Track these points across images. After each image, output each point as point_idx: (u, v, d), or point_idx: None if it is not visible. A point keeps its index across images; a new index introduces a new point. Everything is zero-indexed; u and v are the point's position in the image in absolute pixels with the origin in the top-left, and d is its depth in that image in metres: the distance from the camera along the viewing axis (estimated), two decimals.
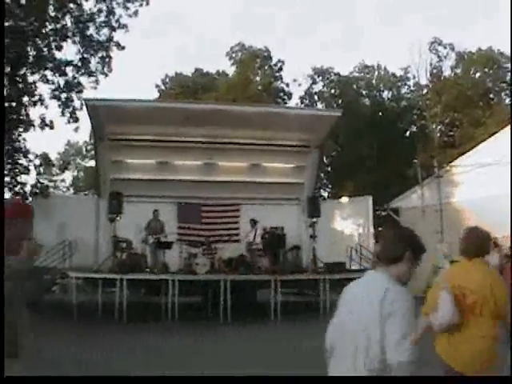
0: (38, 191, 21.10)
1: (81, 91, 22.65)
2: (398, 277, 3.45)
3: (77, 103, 22.59)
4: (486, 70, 43.14)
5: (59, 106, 22.41)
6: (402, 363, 3.17)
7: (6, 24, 19.93)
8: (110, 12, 22.69)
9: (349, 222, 23.15)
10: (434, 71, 43.78)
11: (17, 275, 3.54)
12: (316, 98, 49.11)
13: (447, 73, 44.57)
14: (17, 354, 3.61)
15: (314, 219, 18.83)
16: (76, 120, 22.76)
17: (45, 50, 21.63)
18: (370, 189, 31.03)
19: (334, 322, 3.86)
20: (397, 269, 3.47)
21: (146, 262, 17.99)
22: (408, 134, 47.20)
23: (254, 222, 19.44)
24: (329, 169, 46.88)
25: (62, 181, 61.85)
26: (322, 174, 41.58)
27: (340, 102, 46.73)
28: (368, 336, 3.29)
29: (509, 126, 20.38)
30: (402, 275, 3.47)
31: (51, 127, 21.86)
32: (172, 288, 15.29)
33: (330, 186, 48.66)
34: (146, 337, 12.86)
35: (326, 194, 45.87)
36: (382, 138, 43.15)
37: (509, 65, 39.26)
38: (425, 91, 45.09)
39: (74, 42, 22.22)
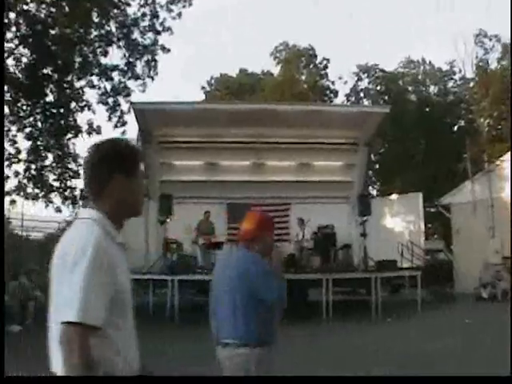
0: (87, 195, 21.26)
1: (128, 95, 22.83)
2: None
3: (124, 107, 22.82)
4: None
5: (106, 110, 22.65)
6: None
7: (52, 32, 20.25)
8: (154, 15, 22.78)
9: (399, 220, 22.84)
10: (480, 64, 43.01)
11: None
12: (362, 95, 48.82)
13: (494, 65, 43.78)
14: None
15: (365, 217, 18.65)
16: (123, 124, 22.96)
17: (90, 56, 21.86)
18: (419, 185, 30.61)
19: None
20: None
21: (196, 263, 18.02)
22: (456, 128, 46.49)
23: (301, 221, 19.33)
24: (377, 166, 46.48)
25: None
26: (370, 172, 41.19)
27: (386, 98, 46.34)
28: None
29: None
30: None
31: (98, 132, 22.04)
32: None
33: (378, 184, 48.24)
34: (198, 337, 12.84)
35: (374, 192, 45.45)
36: (429, 134, 42.66)
37: None
38: (471, 85, 44.32)
39: (119, 47, 22.37)
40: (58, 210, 21.30)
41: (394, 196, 25.25)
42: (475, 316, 14.81)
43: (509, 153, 22.97)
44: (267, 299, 4.10)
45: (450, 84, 48.93)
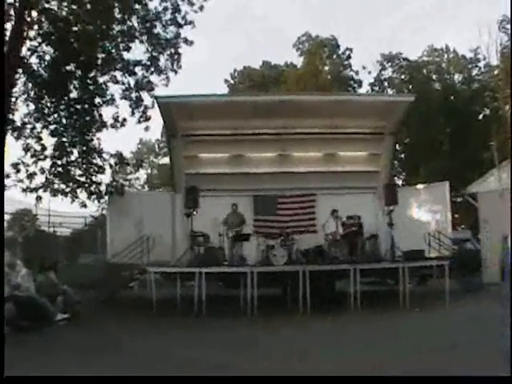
0: (113, 190, 21.37)
1: (151, 90, 22.82)
2: None
3: (147, 102, 22.84)
4: None
5: (130, 105, 22.66)
6: None
7: (75, 29, 20.35)
8: (176, 9, 22.74)
9: (426, 209, 22.68)
10: (505, 51, 42.46)
11: None
12: (386, 84, 48.53)
13: None
14: None
15: (391, 207, 18.54)
16: (147, 119, 22.97)
17: (113, 51, 21.90)
18: (445, 174, 30.37)
19: None
20: None
21: (223, 256, 18.05)
22: (481, 116, 46.04)
23: (335, 212, 19.26)
24: (402, 156, 46.21)
25: (137, 179, 63.02)
26: (396, 162, 41.00)
27: (410, 87, 46.03)
28: None
29: None
30: None
31: (123, 125, 22.08)
32: (250, 280, 15.21)
33: (404, 174, 47.95)
34: (226, 330, 12.88)
35: (400, 182, 45.18)
36: (454, 122, 42.41)
37: None
38: (496, 72, 43.85)
39: (141, 42, 22.35)
40: (84, 205, 21.38)
41: (420, 186, 25.05)
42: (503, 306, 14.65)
43: None
44: None
45: (475, 72, 48.49)
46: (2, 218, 15.10)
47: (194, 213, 17.79)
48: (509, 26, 42.16)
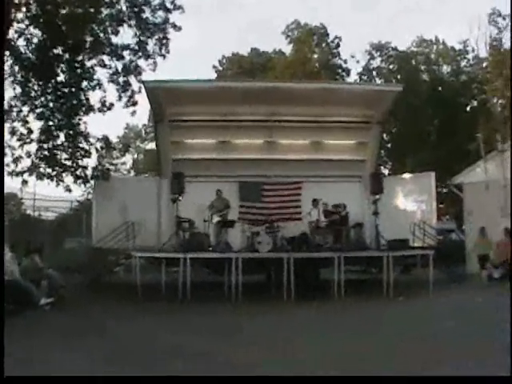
0: (98, 174, 21.32)
1: (139, 74, 22.75)
2: None
3: (135, 86, 22.77)
4: None
5: (117, 90, 22.58)
6: None
7: (63, 12, 20.22)
8: None
9: (411, 199, 22.77)
10: (494, 43, 42.54)
11: None
12: (374, 73, 48.50)
13: (507, 45, 43.22)
14: None
15: (377, 196, 18.59)
16: (134, 103, 22.91)
17: (101, 35, 21.80)
18: (432, 165, 30.45)
19: None
20: None
21: (208, 241, 18.05)
22: (469, 108, 46.15)
23: (315, 202, 19.29)
24: (389, 145, 46.29)
25: (123, 164, 62.86)
26: (383, 151, 41.09)
27: (399, 77, 46.03)
28: None
29: None
30: None
31: (109, 109, 22.02)
32: (235, 267, 15.23)
33: (390, 163, 48.04)
34: (210, 316, 12.91)
35: (386, 172, 45.26)
36: (442, 114, 42.47)
37: None
38: (485, 64, 43.91)
39: (130, 26, 22.28)
40: (68, 189, 21.33)
41: (406, 175, 25.13)
42: (486, 296, 14.75)
43: None
44: None
45: (463, 64, 48.45)
46: (2, 217, 15.07)
47: (180, 198, 17.78)
48: (499, 20, 42.28)
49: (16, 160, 19.74)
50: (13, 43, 19.48)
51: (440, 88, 45.80)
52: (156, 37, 22.83)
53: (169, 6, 22.70)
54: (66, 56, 20.83)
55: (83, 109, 21.30)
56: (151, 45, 22.77)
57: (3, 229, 13.52)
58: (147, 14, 22.48)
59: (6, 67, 19.39)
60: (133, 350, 8.67)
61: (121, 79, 22.44)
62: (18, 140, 19.96)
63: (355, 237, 19.88)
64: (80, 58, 21.31)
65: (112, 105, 21.88)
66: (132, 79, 22.50)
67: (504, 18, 42.19)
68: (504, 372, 5.74)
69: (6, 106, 19.54)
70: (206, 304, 14.48)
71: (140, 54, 22.59)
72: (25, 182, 20.61)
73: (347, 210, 19.65)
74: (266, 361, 7.74)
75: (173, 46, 22.72)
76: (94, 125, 22.53)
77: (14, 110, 20.03)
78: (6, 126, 19.68)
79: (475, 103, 46.04)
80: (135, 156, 65.54)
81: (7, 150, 19.42)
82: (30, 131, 20.29)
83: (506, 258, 19.24)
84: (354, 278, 19.75)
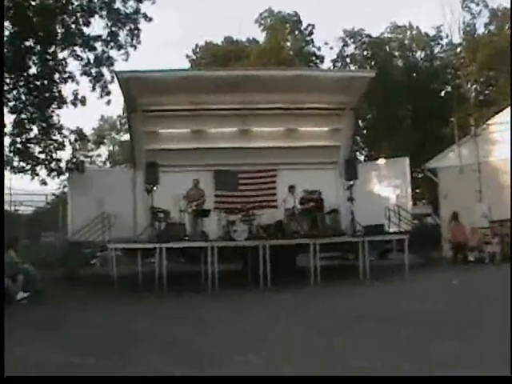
0: (73, 166, 21.25)
1: (111, 65, 22.74)
2: None
3: (108, 77, 22.74)
4: None
5: (90, 81, 22.56)
6: None
7: (33, 3, 20.07)
8: None
9: (386, 184, 22.88)
10: (468, 29, 42.77)
11: None
12: (348, 60, 48.53)
13: (481, 30, 43.54)
14: None
15: (352, 182, 18.67)
16: (108, 93, 22.89)
17: (73, 26, 21.69)
18: (406, 150, 30.62)
19: None
20: None
21: (184, 231, 18.05)
22: (443, 93, 46.37)
23: (292, 188, 19.32)
24: (364, 131, 46.45)
25: (98, 156, 62.74)
26: (358, 137, 41.22)
27: (373, 63, 46.10)
28: None
29: None
30: None
31: (83, 103, 21.99)
32: (211, 256, 15.25)
33: (365, 149, 48.23)
34: (187, 305, 12.95)
35: (362, 157, 45.45)
36: (416, 99, 42.63)
37: None
38: (458, 50, 44.13)
39: (101, 17, 22.24)
40: (43, 182, 21.28)
41: (381, 160, 25.25)
42: (462, 278, 14.94)
43: (495, 116, 23.12)
44: None
45: (437, 49, 48.62)
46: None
47: (155, 189, 17.74)
48: (472, 5, 42.49)
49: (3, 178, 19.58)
50: None
51: (414, 74, 45.98)
52: (127, 27, 22.79)
53: None
54: (38, 48, 20.72)
55: (56, 101, 21.22)
56: (123, 35, 22.75)
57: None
58: (118, 4, 22.45)
59: None
60: (107, 340, 8.68)
61: (93, 70, 22.43)
62: None
63: (331, 223, 19.98)
64: (52, 49, 21.22)
65: (84, 98, 21.87)
66: (105, 70, 22.51)
67: (477, 4, 42.55)
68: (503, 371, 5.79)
69: None
70: (182, 293, 14.50)
71: (112, 44, 22.57)
72: None
73: (322, 197, 19.72)
74: (237, 347, 7.83)
75: (146, 36, 22.76)
76: (69, 117, 22.51)
77: None
78: None
79: (449, 88, 46.25)
80: (111, 148, 65.36)
81: None
82: (3, 125, 20.16)
83: (458, 240, 19.69)
84: (331, 264, 19.89)
